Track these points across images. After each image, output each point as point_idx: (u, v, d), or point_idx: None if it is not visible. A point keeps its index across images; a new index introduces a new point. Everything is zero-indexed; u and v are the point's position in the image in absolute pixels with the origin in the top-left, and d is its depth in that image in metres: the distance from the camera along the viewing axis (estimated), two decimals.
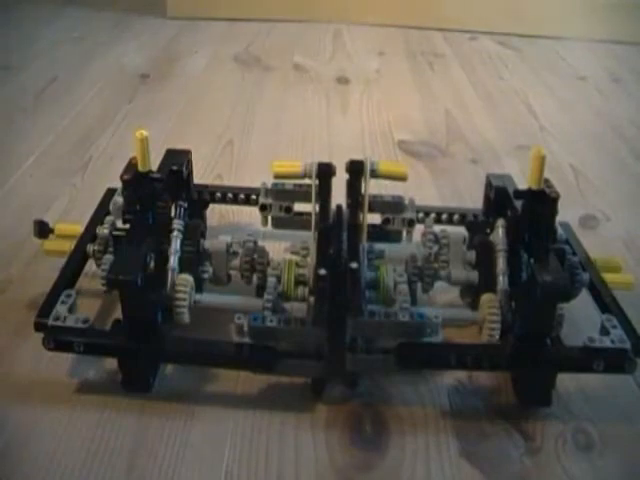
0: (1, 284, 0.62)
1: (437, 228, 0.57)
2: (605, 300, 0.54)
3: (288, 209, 0.61)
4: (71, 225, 0.61)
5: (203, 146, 0.86)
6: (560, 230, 0.58)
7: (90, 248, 0.57)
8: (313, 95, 1.07)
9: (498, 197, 0.58)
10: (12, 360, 0.53)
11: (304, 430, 0.48)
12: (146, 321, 0.49)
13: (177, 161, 0.61)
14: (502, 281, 0.52)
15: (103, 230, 0.56)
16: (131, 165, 0.54)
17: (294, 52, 1.26)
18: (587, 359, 0.48)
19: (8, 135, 0.90)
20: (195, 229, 0.55)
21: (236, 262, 0.55)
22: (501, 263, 0.53)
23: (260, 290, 0.54)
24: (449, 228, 0.59)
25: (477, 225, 0.61)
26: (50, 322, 0.49)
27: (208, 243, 0.56)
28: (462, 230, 0.60)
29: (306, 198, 0.57)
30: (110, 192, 0.62)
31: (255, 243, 0.56)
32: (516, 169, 0.81)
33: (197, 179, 0.66)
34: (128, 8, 1.49)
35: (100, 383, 0.51)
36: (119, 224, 0.57)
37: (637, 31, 1.40)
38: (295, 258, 0.55)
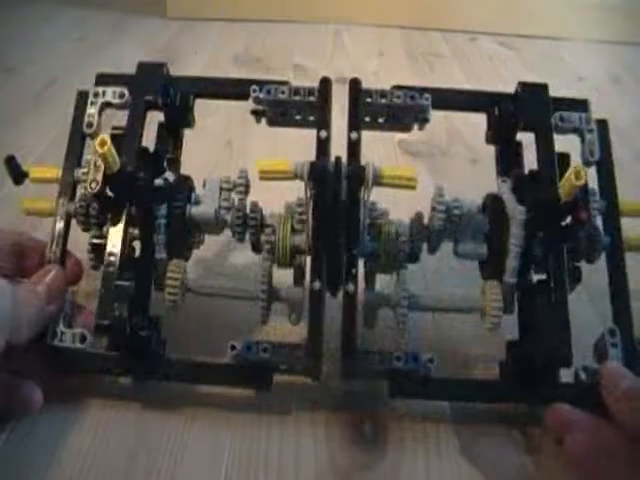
0: None
1: (449, 197, 0.52)
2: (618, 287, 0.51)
3: (284, 114, 0.55)
4: (47, 168, 0.55)
5: (202, 147, 0.86)
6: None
7: (71, 208, 0.52)
8: None
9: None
10: None
11: (304, 430, 0.48)
12: (140, 350, 0.49)
13: (151, 86, 0.54)
14: (510, 271, 0.50)
15: (82, 190, 0.52)
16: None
17: (294, 53, 1.26)
18: (580, 396, 0.47)
19: (8, 135, 0.90)
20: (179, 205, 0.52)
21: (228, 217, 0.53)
22: (512, 258, 0.50)
23: (255, 247, 0.53)
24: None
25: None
26: (48, 341, 0.48)
27: (195, 211, 0.53)
28: (477, 201, 0.54)
29: (305, 111, 0.53)
30: (82, 98, 0.55)
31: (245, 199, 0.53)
32: None
33: (196, 181, 0.65)
34: (127, 8, 1.49)
35: (100, 384, 0.51)
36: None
37: (637, 32, 1.40)
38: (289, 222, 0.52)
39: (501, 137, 0.55)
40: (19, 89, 1.06)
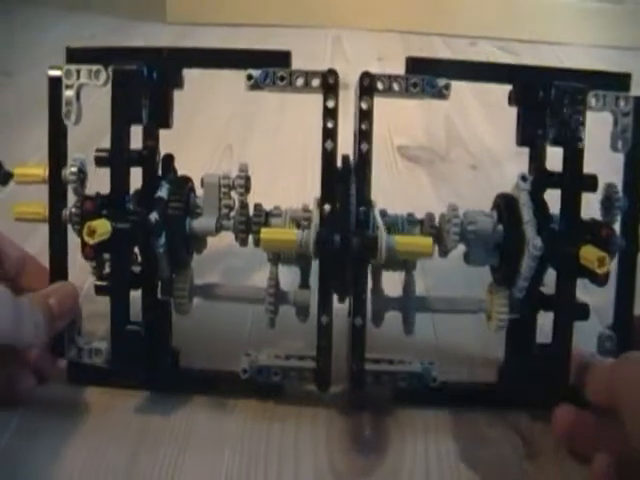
0: None
1: (462, 213, 0.50)
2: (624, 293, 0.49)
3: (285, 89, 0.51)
4: (33, 168, 0.51)
5: (202, 151, 0.86)
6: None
7: (65, 213, 0.49)
8: (312, 100, 1.07)
9: None
10: None
11: (304, 434, 0.48)
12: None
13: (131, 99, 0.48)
14: (519, 288, 0.48)
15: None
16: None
17: (293, 57, 1.25)
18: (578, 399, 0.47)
19: (9, 139, 0.90)
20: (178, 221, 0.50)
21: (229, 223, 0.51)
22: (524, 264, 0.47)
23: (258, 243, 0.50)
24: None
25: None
26: (67, 357, 0.49)
27: (195, 224, 0.50)
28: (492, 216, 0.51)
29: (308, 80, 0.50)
30: (55, 83, 0.49)
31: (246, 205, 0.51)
32: (516, 174, 0.81)
33: (196, 184, 0.65)
34: (128, 13, 1.50)
35: (99, 388, 0.51)
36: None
37: (636, 36, 1.40)
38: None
39: (525, 97, 0.50)
40: (20, 93, 1.06)
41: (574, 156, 0.47)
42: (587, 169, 0.49)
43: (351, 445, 0.48)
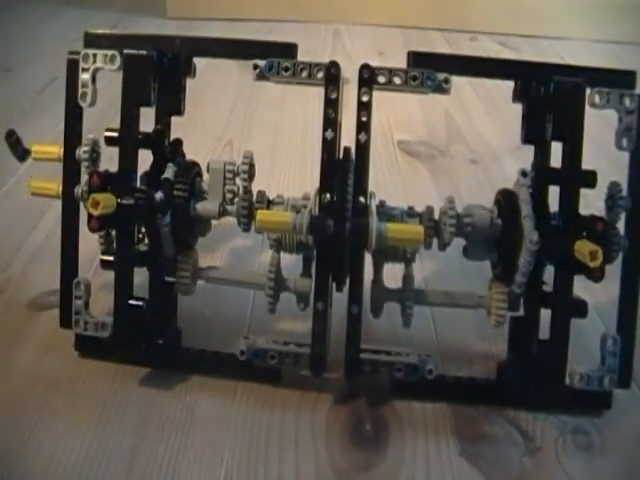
0: (1, 284, 0.62)
1: (459, 206, 0.51)
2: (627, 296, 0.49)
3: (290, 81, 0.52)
4: (49, 146, 0.54)
5: (202, 147, 0.86)
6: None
7: (78, 190, 0.52)
8: (313, 95, 1.06)
9: None
10: (12, 360, 0.53)
11: (304, 430, 0.48)
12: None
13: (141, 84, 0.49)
14: (517, 284, 0.48)
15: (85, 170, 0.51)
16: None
17: None
18: (568, 401, 0.49)
19: None
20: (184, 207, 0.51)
21: (232, 208, 0.52)
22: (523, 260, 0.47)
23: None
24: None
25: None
26: (74, 329, 0.51)
27: (199, 207, 0.52)
28: (489, 212, 0.51)
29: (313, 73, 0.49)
30: (72, 66, 0.51)
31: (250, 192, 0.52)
32: (516, 169, 0.81)
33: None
34: (128, 8, 1.49)
35: (100, 384, 0.51)
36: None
37: (637, 31, 1.40)
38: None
39: (528, 95, 0.50)
40: (19, 89, 1.06)
41: (572, 151, 0.48)
42: (591, 166, 0.49)
43: (352, 441, 0.48)
